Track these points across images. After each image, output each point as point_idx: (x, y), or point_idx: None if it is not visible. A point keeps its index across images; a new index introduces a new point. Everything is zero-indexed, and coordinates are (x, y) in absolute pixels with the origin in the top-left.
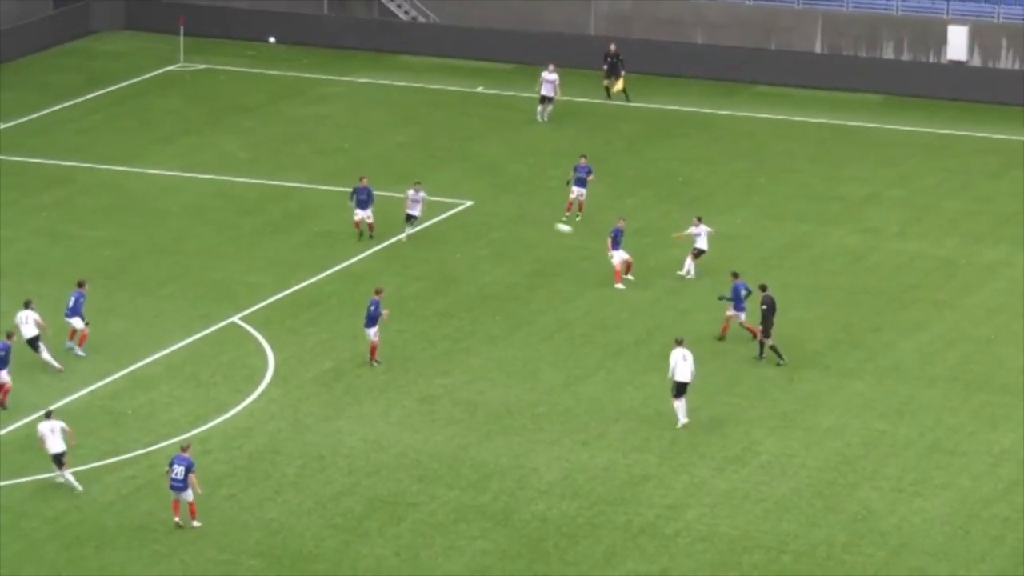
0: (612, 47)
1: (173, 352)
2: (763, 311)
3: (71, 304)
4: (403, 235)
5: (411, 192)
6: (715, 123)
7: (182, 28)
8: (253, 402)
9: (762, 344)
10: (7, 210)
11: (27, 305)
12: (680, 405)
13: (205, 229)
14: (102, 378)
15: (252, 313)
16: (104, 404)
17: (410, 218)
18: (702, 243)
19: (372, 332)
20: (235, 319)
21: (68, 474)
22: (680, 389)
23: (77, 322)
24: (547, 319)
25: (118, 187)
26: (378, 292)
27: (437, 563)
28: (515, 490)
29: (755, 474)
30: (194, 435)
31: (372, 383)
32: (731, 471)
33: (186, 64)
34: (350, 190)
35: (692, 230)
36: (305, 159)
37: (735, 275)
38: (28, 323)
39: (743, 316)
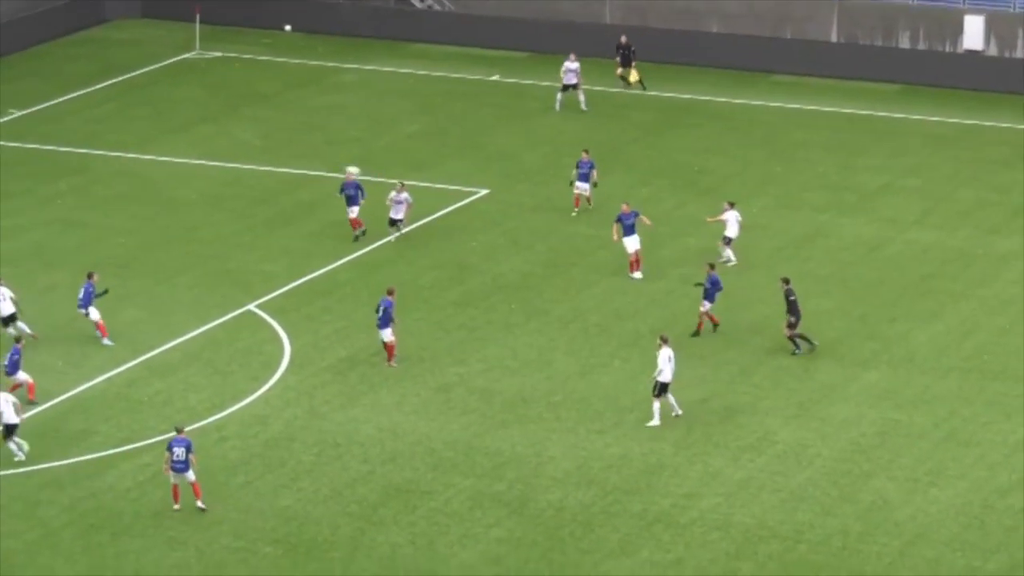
0: (623, 39)
1: (189, 340)
2: (791, 302)
3: (82, 295)
4: (391, 238)
5: (393, 194)
6: (731, 112)
7: (197, 16)
8: (269, 390)
9: (804, 338)
10: (21, 198)
11: None
12: (658, 407)
13: (220, 217)
14: (118, 366)
15: (267, 301)
16: (120, 391)
17: (394, 222)
18: (731, 230)
19: (387, 333)
20: (250, 307)
21: (14, 442)
22: (664, 389)
23: (94, 313)
24: (562, 308)
25: (133, 175)
26: (390, 292)
27: (453, 551)
28: (530, 478)
29: (770, 464)
30: (210, 422)
31: (387, 371)
32: (746, 460)
33: (201, 52)
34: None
35: (723, 216)
36: (319, 148)
37: (711, 266)
38: (5, 300)
39: (708, 306)
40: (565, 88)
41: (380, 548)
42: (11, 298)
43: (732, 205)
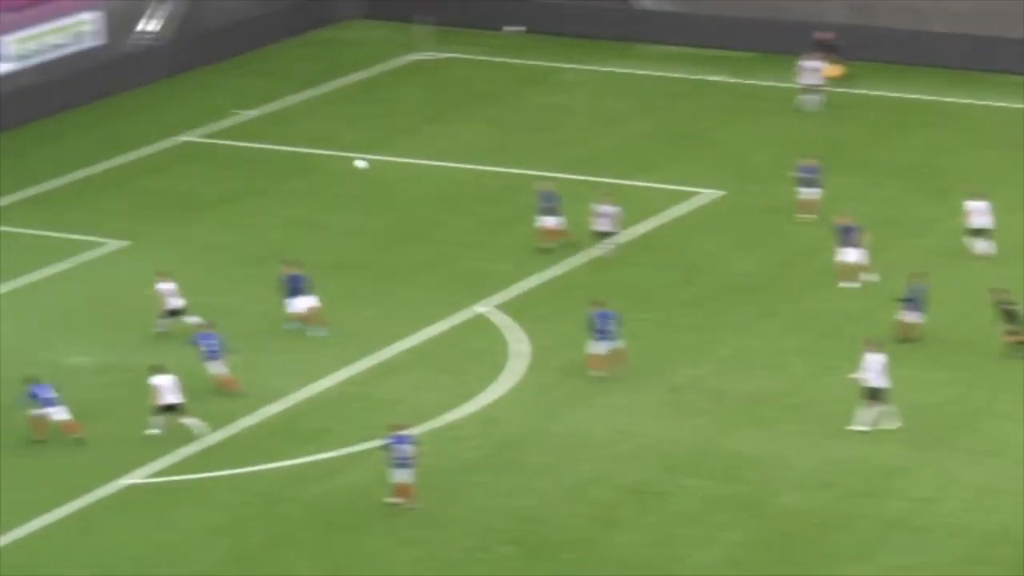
0: (824, 34)
1: (422, 339)
2: (1011, 311)
3: (292, 285)
4: (601, 251)
5: (599, 206)
6: (960, 112)
7: (423, 17)
8: (502, 390)
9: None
10: (259, 198)
11: (162, 277)
12: (875, 411)
13: (451, 217)
14: (351, 364)
15: (500, 301)
16: (354, 391)
17: (601, 235)
18: (975, 220)
19: (605, 346)
20: (483, 307)
21: (187, 420)
22: (874, 394)
23: (301, 302)
24: (794, 309)
25: (365, 176)
26: (601, 304)
27: (689, 553)
28: (766, 481)
29: (1009, 468)
30: (444, 423)
31: (618, 373)
32: (984, 465)
33: (427, 53)
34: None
35: (967, 206)
36: (547, 148)
37: (916, 275)
38: (175, 296)
39: (911, 316)
40: (809, 89)
41: (615, 549)
42: (173, 291)
43: (975, 196)
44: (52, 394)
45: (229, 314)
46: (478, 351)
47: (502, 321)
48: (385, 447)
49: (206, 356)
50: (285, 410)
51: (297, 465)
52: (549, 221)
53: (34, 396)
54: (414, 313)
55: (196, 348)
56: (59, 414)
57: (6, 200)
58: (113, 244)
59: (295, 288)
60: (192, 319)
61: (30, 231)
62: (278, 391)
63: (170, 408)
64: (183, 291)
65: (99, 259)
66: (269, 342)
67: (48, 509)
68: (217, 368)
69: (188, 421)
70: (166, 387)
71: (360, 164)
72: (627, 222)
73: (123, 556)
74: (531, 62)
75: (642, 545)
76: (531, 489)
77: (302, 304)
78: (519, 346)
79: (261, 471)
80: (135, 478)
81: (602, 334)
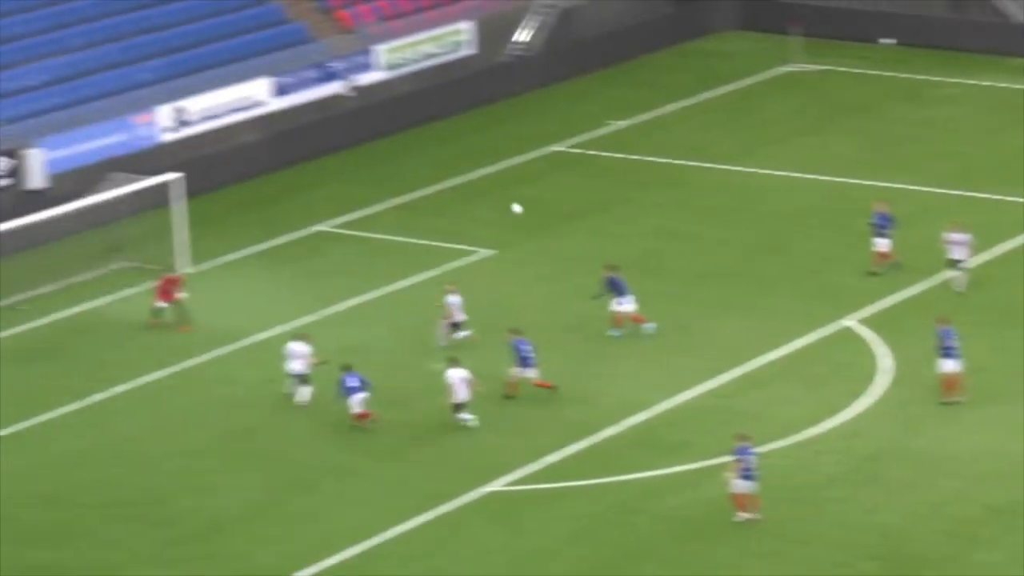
0: None
1: (785, 352)
2: None
3: (614, 287)
4: (955, 281)
5: (950, 234)
6: None
7: (797, 28)
8: (865, 404)
9: None
10: (625, 207)
11: (451, 289)
12: None
13: (817, 230)
14: (714, 376)
15: (864, 315)
16: (716, 403)
17: (954, 263)
18: None
19: (952, 365)
20: (847, 321)
21: (465, 416)
22: None
23: (627, 303)
24: None
25: (732, 187)
26: (946, 320)
27: None
28: None
29: None
30: (805, 436)
31: (985, 389)
32: None
33: (800, 64)
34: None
35: None
36: (918, 162)
37: None
38: (458, 309)
39: None
40: None
41: (980, 569)
42: (459, 305)
43: None
44: (356, 383)
45: (592, 321)
46: (843, 365)
47: (868, 335)
48: (735, 460)
49: (521, 362)
50: (646, 420)
51: (655, 477)
52: (881, 243)
53: (343, 385)
54: (779, 325)
55: (514, 353)
56: (355, 403)
57: (380, 207)
58: (482, 252)
59: (617, 290)
60: (464, 334)
61: (401, 238)
62: (641, 401)
63: (460, 406)
64: (548, 300)
65: (467, 267)
66: (633, 351)
67: (412, 515)
68: (531, 373)
69: (464, 417)
70: (457, 383)
71: (516, 209)
72: (1003, 236)
73: (482, 563)
74: (904, 75)
75: (1005, 564)
76: (892, 505)
77: (627, 306)
78: (885, 361)
79: (619, 481)
80: (496, 485)
81: (947, 351)
